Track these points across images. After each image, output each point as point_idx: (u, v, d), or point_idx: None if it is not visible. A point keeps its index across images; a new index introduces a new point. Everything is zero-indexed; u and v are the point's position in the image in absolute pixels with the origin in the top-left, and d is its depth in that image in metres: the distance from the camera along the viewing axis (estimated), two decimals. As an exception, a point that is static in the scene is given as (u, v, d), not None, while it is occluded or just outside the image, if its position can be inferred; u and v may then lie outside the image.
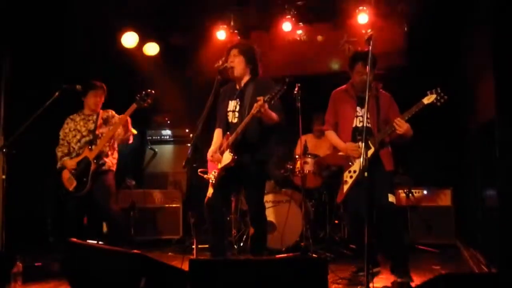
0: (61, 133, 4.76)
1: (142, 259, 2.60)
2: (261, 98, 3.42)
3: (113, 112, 4.84)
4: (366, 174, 3.10)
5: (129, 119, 4.68)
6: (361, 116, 3.92)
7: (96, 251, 2.99)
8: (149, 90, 4.51)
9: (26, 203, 5.25)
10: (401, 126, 3.68)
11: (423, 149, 5.85)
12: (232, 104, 3.85)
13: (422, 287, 2.75)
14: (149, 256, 2.66)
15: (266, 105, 3.42)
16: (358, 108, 3.97)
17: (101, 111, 4.79)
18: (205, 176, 3.83)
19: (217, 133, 3.96)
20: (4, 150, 4.13)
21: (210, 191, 3.80)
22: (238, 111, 3.78)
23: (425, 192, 5.44)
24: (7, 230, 4.16)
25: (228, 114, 3.86)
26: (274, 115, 3.61)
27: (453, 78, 5.48)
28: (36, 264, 4.33)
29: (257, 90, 3.66)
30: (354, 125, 3.98)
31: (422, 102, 3.68)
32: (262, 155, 3.78)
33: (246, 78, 3.85)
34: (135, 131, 4.78)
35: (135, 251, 2.66)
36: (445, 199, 5.41)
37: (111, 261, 2.80)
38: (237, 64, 3.79)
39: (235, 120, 3.79)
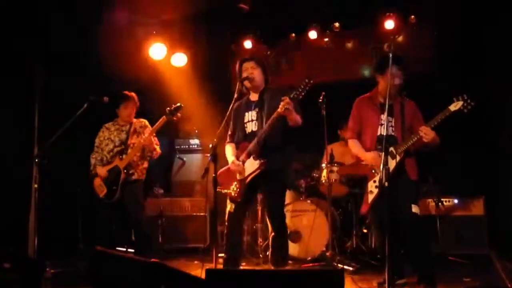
0: (97, 141, 4.90)
1: (161, 268, 2.63)
2: (285, 97, 3.45)
3: (146, 122, 4.92)
4: (386, 184, 3.04)
5: (155, 139, 4.76)
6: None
7: (119, 259, 3.04)
8: (178, 104, 4.55)
9: (58, 211, 5.40)
10: (428, 134, 3.59)
11: (453, 157, 5.68)
12: (250, 115, 3.91)
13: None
14: (167, 265, 2.69)
15: (292, 104, 3.44)
16: (382, 116, 3.88)
17: (134, 120, 4.88)
18: (224, 191, 3.84)
19: (231, 147, 4.00)
20: (36, 160, 4.27)
21: (230, 206, 3.83)
22: (257, 120, 3.82)
23: (455, 201, 5.25)
24: (39, 237, 4.28)
25: (246, 125, 3.92)
26: (298, 117, 3.64)
27: (484, 82, 5.32)
28: (65, 270, 4.45)
29: (273, 97, 3.73)
30: (379, 133, 3.90)
31: (448, 109, 3.59)
32: (282, 162, 3.79)
33: (261, 88, 3.94)
34: (159, 151, 4.83)
35: (154, 260, 2.70)
36: (477, 208, 5.18)
37: (132, 269, 2.84)
38: (257, 75, 3.89)
39: (255, 128, 3.83)
